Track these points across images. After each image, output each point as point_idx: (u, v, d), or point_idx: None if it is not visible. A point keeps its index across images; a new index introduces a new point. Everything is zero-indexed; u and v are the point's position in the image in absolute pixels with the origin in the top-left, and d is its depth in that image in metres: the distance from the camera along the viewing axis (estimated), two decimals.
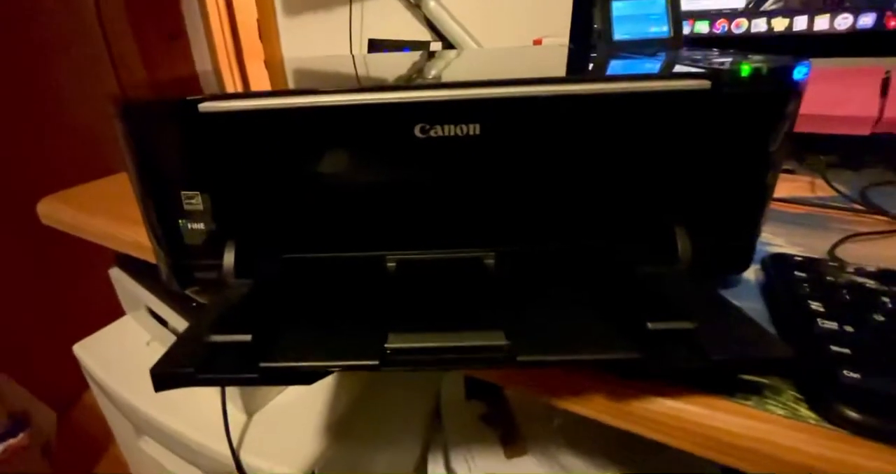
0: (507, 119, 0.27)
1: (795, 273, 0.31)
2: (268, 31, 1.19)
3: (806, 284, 0.30)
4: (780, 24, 0.55)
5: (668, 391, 0.25)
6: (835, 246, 0.39)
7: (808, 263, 0.32)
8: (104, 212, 0.49)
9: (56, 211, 0.53)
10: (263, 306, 0.25)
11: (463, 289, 0.28)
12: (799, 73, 0.26)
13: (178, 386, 0.21)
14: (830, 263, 0.33)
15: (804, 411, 0.23)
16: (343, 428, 0.44)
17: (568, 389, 0.27)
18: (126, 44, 1.18)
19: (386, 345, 0.21)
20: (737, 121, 0.26)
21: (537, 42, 0.73)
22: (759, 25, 0.56)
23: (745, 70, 0.25)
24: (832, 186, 0.49)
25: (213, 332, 0.21)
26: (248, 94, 0.27)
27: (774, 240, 0.41)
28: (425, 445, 0.64)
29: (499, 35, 0.91)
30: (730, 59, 0.31)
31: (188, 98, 0.26)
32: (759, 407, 0.23)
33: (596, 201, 0.29)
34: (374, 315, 0.24)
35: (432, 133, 0.28)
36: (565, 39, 0.61)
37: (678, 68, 0.31)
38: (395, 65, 0.44)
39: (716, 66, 0.27)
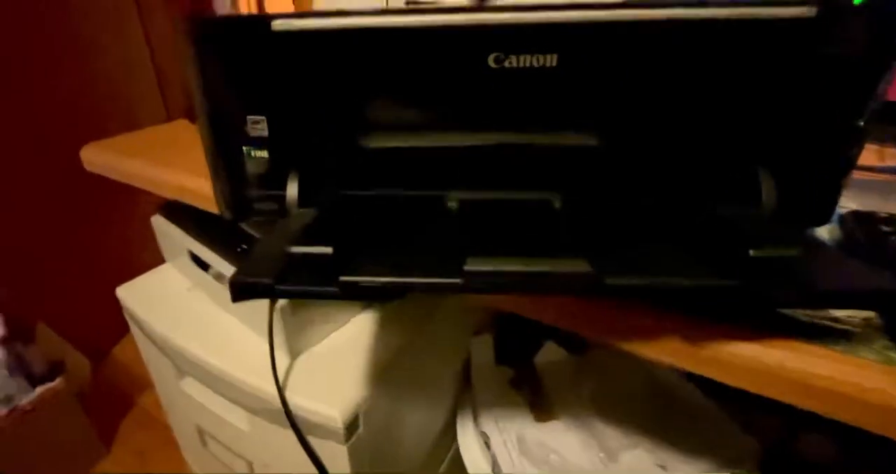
0: (589, 48, 0.26)
1: (881, 227, 0.30)
2: None
3: (895, 237, 0.28)
4: None
5: (748, 335, 0.24)
6: None
7: (894, 219, 0.31)
8: (148, 159, 0.49)
9: (100, 157, 0.53)
10: (338, 226, 0.24)
11: (531, 228, 0.27)
12: None
13: (256, 297, 0.21)
14: None
15: None
16: (384, 375, 0.44)
17: (638, 332, 0.26)
18: (157, 9, 1.17)
19: (465, 268, 0.20)
20: (841, 56, 0.25)
21: None
22: None
23: None
24: None
25: (293, 244, 0.20)
26: (320, 13, 0.26)
27: (847, 203, 0.39)
28: (454, 405, 0.64)
29: None
30: None
31: (261, 15, 0.25)
32: (850, 353, 0.22)
33: (680, 142, 0.28)
34: (446, 242, 0.24)
35: (507, 63, 0.27)
36: None
37: None
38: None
39: None
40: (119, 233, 1.14)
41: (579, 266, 0.20)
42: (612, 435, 0.60)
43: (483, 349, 0.70)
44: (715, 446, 0.56)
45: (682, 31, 0.25)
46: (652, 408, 0.61)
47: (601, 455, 0.56)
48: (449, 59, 0.27)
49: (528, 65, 0.27)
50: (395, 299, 0.22)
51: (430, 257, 0.22)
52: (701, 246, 0.22)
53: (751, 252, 0.19)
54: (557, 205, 0.29)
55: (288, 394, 0.41)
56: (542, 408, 0.65)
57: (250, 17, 0.25)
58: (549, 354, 0.70)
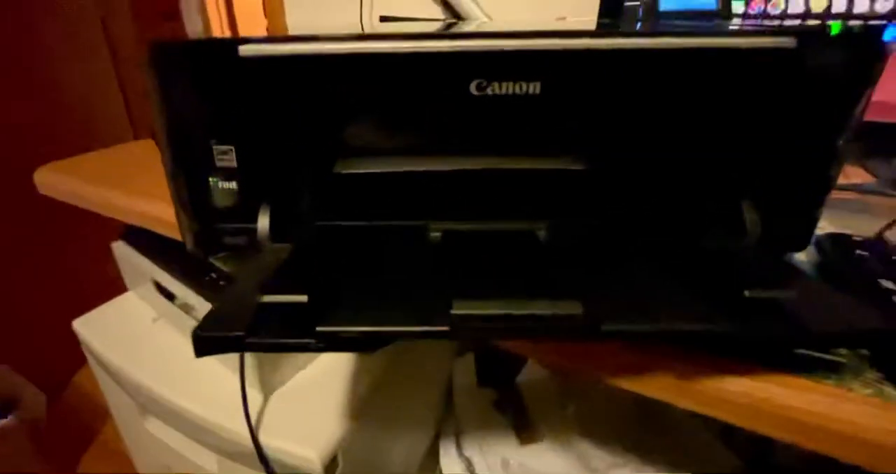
0: (572, 76, 0.25)
1: (858, 252, 0.30)
2: (272, 8, 1.15)
3: (872, 263, 0.29)
4: (818, 5, 0.54)
5: (738, 369, 0.23)
6: (883, 230, 0.37)
7: (870, 243, 0.31)
8: (108, 182, 0.46)
9: (56, 180, 0.50)
10: (313, 268, 0.22)
11: (517, 261, 0.26)
12: (889, 34, 0.24)
13: (223, 351, 0.19)
14: (892, 243, 0.31)
15: (891, 390, 0.22)
16: (362, 409, 0.42)
17: (629, 368, 0.25)
18: (123, 24, 1.13)
19: (452, 312, 0.19)
20: (819, 85, 0.25)
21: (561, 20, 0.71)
22: (798, 5, 0.54)
23: (835, 27, 0.23)
24: (872, 174, 0.48)
25: (265, 292, 0.19)
26: (291, 37, 0.24)
27: (819, 222, 0.40)
28: (437, 430, 0.62)
29: (517, 15, 0.89)
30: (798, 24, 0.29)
31: (228, 39, 0.23)
32: (841, 386, 0.22)
33: (661, 171, 0.27)
34: (429, 282, 0.22)
35: (489, 91, 0.26)
36: (591, 18, 0.59)
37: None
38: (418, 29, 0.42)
39: (801, 25, 0.26)
40: (78, 260, 1.08)
41: (572, 308, 0.19)
42: (596, 455, 0.59)
43: (465, 371, 0.69)
44: (697, 462, 0.56)
45: (664, 60, 0.25)
46: (635, 426, 0.61)
47: None
48: (429, 87, 0.26)
49: (510, 92, 0.26)
50: (378, 349, 0.20)
51: (414, 300, 0.21)
52: (693, 282, 0.21)
53: (746, 293, 0.18)
54: (543, 235, 0.28)
55: (261, 435, 0.38)
56: (525, 430, 0.63)
57: (216, 40, 0.23)
58: (532, 373, 0.69)
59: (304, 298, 0.18)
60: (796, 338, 0.18)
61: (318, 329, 0.18)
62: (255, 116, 0.26)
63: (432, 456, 0.62)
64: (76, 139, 1.03)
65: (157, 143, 0.28)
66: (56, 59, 1.01)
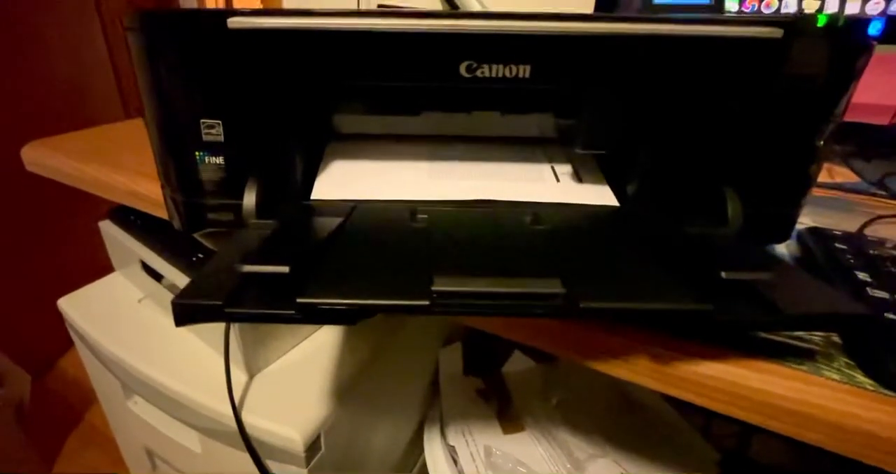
0: (563, 60, 0.25)
1: (836, 245, 0.30)
2: None
3: (849, 256, 0.29)
4: (811, 6, 0.54)
5: (715, 354, 0.24)
6: (863, 226, 0.38)
7: (848, 237, 0.32)
8: (96, 160, 0.46)
9: (43, 156, 0.49)
10: (296, 241, 0.22)
11: (503, 241, 0.26)
12: (873, 28, 0.24)
13: (203, 321, 0.19)
14: (870, 238, 0.32)
15: (861, 377, 0.22)
16: (347, 393, 0.42)
17: (608, 352, 0.25)
18: (117, 2, 1.11)
19: (433, 288, 0.19)
20: (805, 76, 0.25)
21: None
22: (790, 5, 0.54)
23: (822, 19, 0.24)
24: (856, 172, 0.48)
25: (246, 262, 0.19)
26: (281, 11, 0.24)
27: (802, 219, 0.40)
28: (422, 417, 0.63)
29: (516, 8, 0.88)
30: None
31: (217, 10, 0.23)
32: (814, 373, 0.23)
33: (646, 156, 0.28)
34: (413, 259, 0.23)
35: (479, 73, 0.26)
36: (587, 11, 0.59)
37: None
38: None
39: (787, 15, 0.26)
40: (65, 239, 1.07)
41: (553, 286, 0.20)
42: (578, 445, 0.60)
43: (452, 359, 0.69)
44: (677, 453, 0.57)
45: (652, 45, 0.25)
46: (617, 417, 0.62)
47: (568, 466, 0.55)
48: (419, 66, 0.26)
49: (500, 75, 0.26)
50: (358, 322, 0.20)
51: (396, 275, 0.21)
52: (673, 265, 0.21)
53: (723, 274, 0.19)
54: (527, 218, 0.28)
55: (244, 415, 0.38)
56: (509, 419, 0.64)
57: (204, 12, 0.23)
58: (518, 363, 0.69)
59: (285, 269, 0.18)
60: (770, 320, 0.19)
61: (298, 300, 0.18)
62: (243, 91, 0.26)
63: (417, 441, 0.62)
64: (66, 119, 1.01)
65: (143, 117, 0.28)
66: (47, 38, 0.99)
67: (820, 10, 0.54)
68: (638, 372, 0.25)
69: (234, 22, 0.23)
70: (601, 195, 0.30)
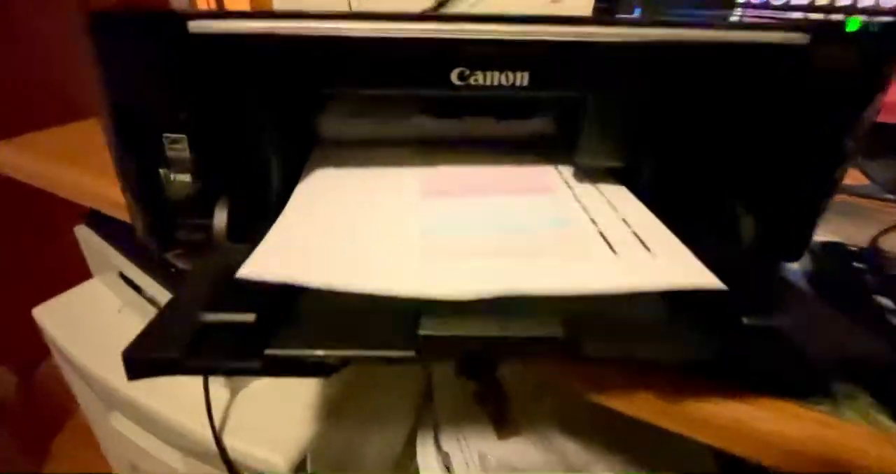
0: (567, 67, 0.23)
1: (854, 264, 0.28)
2: None
3: (867, 275, 0.27)
4: None
5: (728, 392, 0.22)
6: (877, 236, 0.36)
7: (867, 255, 0.30)
8: (69, 161, 0.43)
9: (11, 157, 0.46)
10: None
11: None
12: None
13: (159, 374, 0.17)
14: (888, 254, 0.30)
15: (887, 421, 0.20)
16: (334, 407, 0.41)
17: (610, 388, 0.24)
18: None
19: (420, 332, 0.17)
20: (829, 85, 0.23)
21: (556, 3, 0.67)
22: None
23: (853, 24, 0.21)
24: (868, 176, 0.46)
25: (206, 310, 0.16)
26: (248, 13, 0.21)
27: None
28: (415, 424, 0.61)
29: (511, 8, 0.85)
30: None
31: (175, 12, 0.20)
32: (835, 414, 0.21)
33: (656, 170, 0.25)
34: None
35: (472, 80, 0.24)
36: (587, 5, 0.56)
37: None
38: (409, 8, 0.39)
39: (814, 21, 0.23)
40: (41, 243, 1.03)
41: (552, 328, 0.18)
42: (574, 450, 0.59)
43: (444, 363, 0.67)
44: (673, 459, 0.57)
45: (666, 53, 0.22)
46: (613, 423, 0.61)
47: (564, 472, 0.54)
48: (404, 74, 0.23)
49: (495, 83, 0.24)
50: (334, 372, 0.18)
51: (377, 318, 0.18)
52: (684, 300, 0.19)
53: (744, 320, 0.17)
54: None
55: (226, 437, 0.36)
56: (504, 424, 0.63)
57: (164, 14, 0.20)
58: (513, 367, 0.68)
59: (250, 317, 0.16)
60: (796, 370, 0.17)
61: (267, 352, 0.16)
62: (209, 102, 0.23)
63: (410, 449, 0.61)
64: (50, 112, 0.97)
65: (102, 129, 0.25)
66: (30, 28, 0.95)
67: (832, 1, 0.51)
68: (644, 409, 0.23)
69: (196, 26, 0.21)
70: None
